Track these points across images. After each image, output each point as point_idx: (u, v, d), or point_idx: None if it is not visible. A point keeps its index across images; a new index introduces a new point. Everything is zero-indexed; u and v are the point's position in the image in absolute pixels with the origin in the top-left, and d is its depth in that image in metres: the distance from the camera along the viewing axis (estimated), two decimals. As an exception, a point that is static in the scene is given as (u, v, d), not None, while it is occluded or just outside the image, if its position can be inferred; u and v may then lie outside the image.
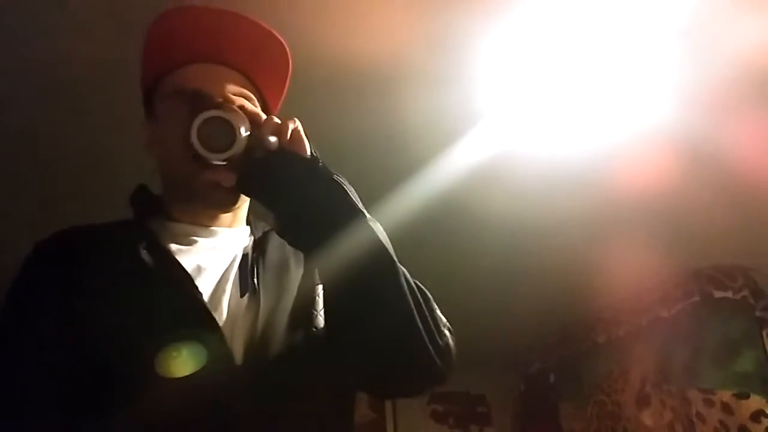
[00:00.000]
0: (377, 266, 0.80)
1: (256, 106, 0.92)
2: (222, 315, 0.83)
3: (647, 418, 3.15)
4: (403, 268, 0.84)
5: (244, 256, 0.91)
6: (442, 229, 2.57)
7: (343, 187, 0.82)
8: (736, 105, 1.93)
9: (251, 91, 0.94)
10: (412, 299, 0.81)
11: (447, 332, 0.89)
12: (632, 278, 3.06)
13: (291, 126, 0.84)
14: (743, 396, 2.73)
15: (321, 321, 0.88)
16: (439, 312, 0.89)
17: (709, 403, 2.81)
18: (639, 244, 2.66)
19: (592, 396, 3.56)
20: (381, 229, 0.83)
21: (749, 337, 2.82)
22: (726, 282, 2.94)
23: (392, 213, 2.31)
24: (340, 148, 2.08)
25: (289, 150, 0.83)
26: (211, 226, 0.93)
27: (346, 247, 0.79)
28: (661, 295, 3.16)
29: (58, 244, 0.87)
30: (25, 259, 0.86)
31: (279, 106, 1.02)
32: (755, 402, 2.70)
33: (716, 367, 2.84)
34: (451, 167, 2.13)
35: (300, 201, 0.80)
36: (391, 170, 2.16)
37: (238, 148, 0.81)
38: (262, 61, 0.95)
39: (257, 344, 0.81)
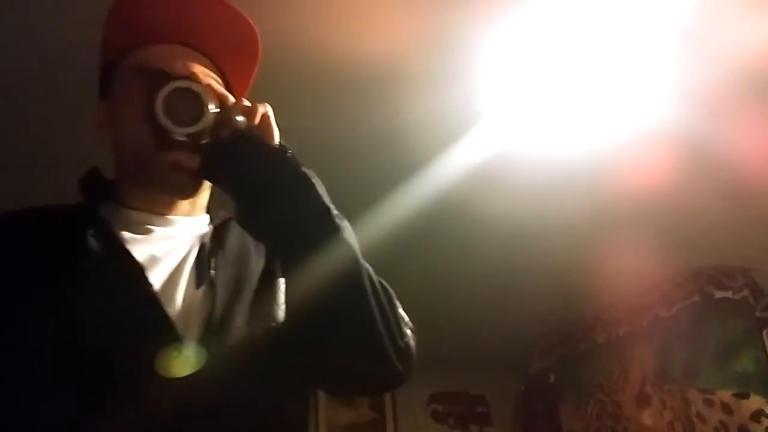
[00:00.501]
0: (341, 270, 0.77)
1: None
2: (175, 308, 0.78)
3: (647, 418, 3.15)
4: (367, 266, 0.81)
5: (202, 246, 0.86)
6: (442, 229, 2.57)
7: (311, 181, 0.78)
8: (736, 105, 1.93)
9: (217, 77, 0.89)
10: (376, 302, 0.79)
11: (408, 332, 0.86)
12: (632, 278, 3.06)
13: (261, 110, 0.79)
14: (743, 396, 2.73)
15: (281, 315, 0.84)
16: (401, 311, 0.86)
17: (709, 403, 2.81)
18: (639, 244, 2.67)
19: (592, 396, 3.56)
20: (348, 227, 0.80)
21: (749, 337, 2.82)
22: (726, 282, 2.94)
23: (392, 213, 2.31)
24: (340, 148, 2.08)
25: (257, 134, 0.78)
26: (167, 215, 0.87)
27: (309, 247, 0.76)
28: (661, 295, 3.16)
29: None
30: None
31: (245, 95, 0.95)
32: (755, 402, 2.70)
33: (716, 367, 2.84)
34: (451, 167, 2.13)
35: (264, 192, 0.77)
36: (392, 170, 2.16)
37: (205, 123, 0.76)
38: (231, 47, 0.90)
39: (212, 338, 0.77)
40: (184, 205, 0.89)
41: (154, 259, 0.82)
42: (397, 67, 1.76)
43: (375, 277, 0.82)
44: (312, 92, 1.82)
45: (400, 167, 2.15)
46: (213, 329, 0.78)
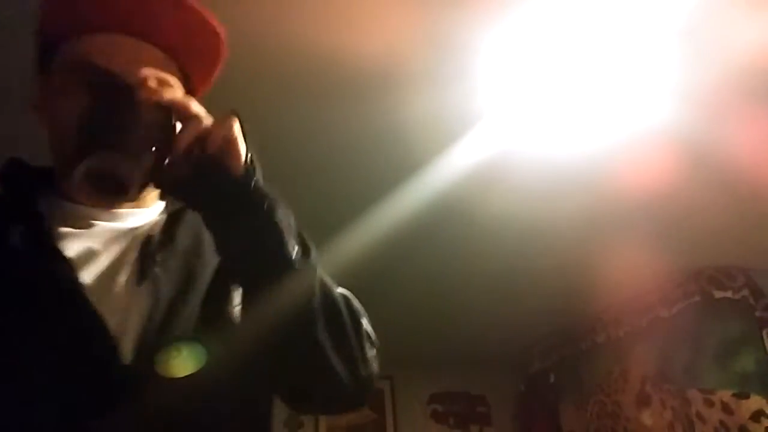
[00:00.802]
0: (293, 307, 0.72)
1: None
2: (111, 306, 0.73)
3: (647, 418, 3.15)
4: (332, 291, 0.77)
5: (149, 238, 0.80)
6: (441, 230, 2.57)
7: (275, 222, 0.71)
8: (737, 105, 1.93)
9: (172, 73, 0.80)
10: (332, 336, 0.74)
11: (370, 356, 0.80)
12: (632, 278, 3.06)
13: (222, 132, 0.69)
14: (743, 396, 2.73)
15: (236, 318, 0.78)
16: (365, 332, 0.80)
17: (709, 403, 2.81)
18: (639, 245, 2.67)
19: (592, 396, 3.56)
20: (311, 257, 0.74)
21: (749, 337, 2.83)
22: (726, 282, 2.94)
23: (391, 213, 2.31)
24: (340, 148, 2.08)
25: (216, 163, 0.69)
26: (112, 208, 0.81)
27: (262, 280, 0.72)
28: (661, 296, 3.16)
29: None
30: None
31: (207, 88, 0.87)
32: (755, 402, 2.70)
33: (716, 367, 2.84)
34: (451, 167, 2.13)
35: (222, 222, 0.72)
36: (391, 170, 2.16)
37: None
38: (186, 40, 0.80)
39: (152, 339, 0.72)
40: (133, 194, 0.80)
41: (91, 255, 0.76)
42: (396, 67, 1.76)
43: (339, 306, 0.77)
44: (311, 92, 1.82)
45: (399, 167, 2.15)
46: (152, 328, 0.72)
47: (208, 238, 0.80)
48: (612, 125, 2.01)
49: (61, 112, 0.76)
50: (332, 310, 0.75)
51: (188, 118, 0.69)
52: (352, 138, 2.03)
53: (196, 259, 0.81)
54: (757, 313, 2.87)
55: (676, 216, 2.50)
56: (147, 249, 0.78)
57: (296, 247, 0.72)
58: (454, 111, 1.92)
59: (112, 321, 0.71)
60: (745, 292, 2.91)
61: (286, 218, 0.72)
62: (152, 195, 0.87)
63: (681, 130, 2.01)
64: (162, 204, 0.88)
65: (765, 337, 2.82)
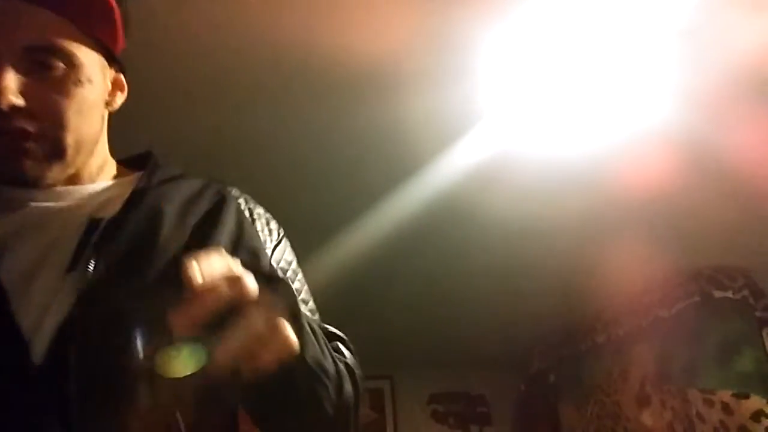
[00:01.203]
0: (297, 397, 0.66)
1: (74, 65, 0.69)
2: (30, 297, 0.64)
3: (647, 418, 3.15)
4: (314, 339, 0.68)
5: (94, 222, 0.70)
6: (442, 230, 2.57)
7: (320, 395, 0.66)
8: (737, 105, 1.93)
9: (60, 30, 0.68)
10: (311, 398, 0.67)
11: (348, 392, 0.71)
12: (632, 278, 3.06)
13: (276, 347, 0.53)
14: (743, 396, 2.73)
15: None
16: (341, 372, 0.71)
17: (709, 403, 2.81)
18: (639, 245, 2.66)
19: (592, 396, 3.56)
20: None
21: (749, 337, 2.83)
22: (726, 282, 2.94)
23: (392, 213, 2.31)
24: (340, 148, 2.08)
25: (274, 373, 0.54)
26: (51, 186, 0.72)
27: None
28: (661, 295, 3.16)
29: None
30: None
31: (121, 40, 0.76)
32: (755, 402, 2.70)
33: (716, 367, 2.84)
34: (451, 167, 2.13)
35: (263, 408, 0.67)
36: (391, 170, 2.16)
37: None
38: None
39: (69, 337, 0.62)
40: (55, 175, 0.71)
41: (17, 238, 0.68)
42: (396, 66, 1.76)
43: (319, 355, 0.68)
44: (311, 92, 1.82)
45: (399, 167, 2.15)
46: (71, 325, 0.63)
47: (168, 224, 0.71)
48: (611, 126, 2.01)
49: None
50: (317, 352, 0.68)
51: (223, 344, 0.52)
52: (352, 137, 2.03)
53: (148, 247, 0.69)
54: (757, 313, 2.87)
55: (676, 216, 2.50)
56: (87, 235, 0.69)
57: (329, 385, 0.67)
58: (454, 111, 1.92)
59: (26, 319, 0.63)
60: (745, 292, 2.91)
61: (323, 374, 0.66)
62: (98, 169, 0.78)
63: (681, 131, 2.01)
64: (127, 178, 0.78)
65: (765, 337, 2.82)
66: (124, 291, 0.65)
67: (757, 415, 2.68)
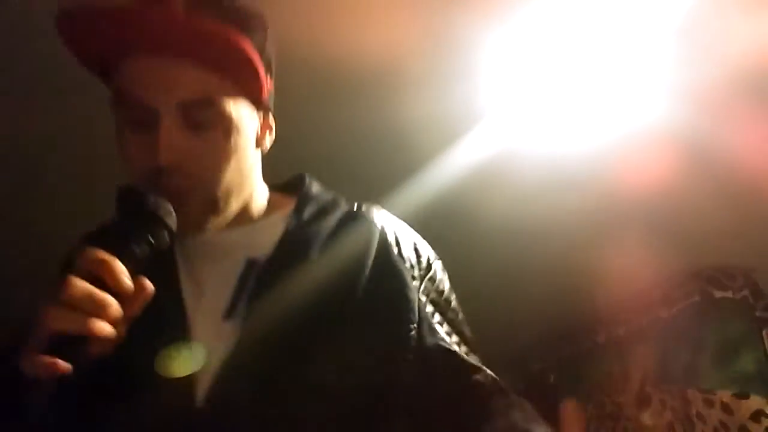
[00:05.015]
0: None
1: (226, 117, 0.71)
2: (201, 340, 0.69)
3: (647, 418, 3.15)
4: None
5: (251, 261, 0.74)
6: (442, 229, 2.55)
7: None
8: (738, 105, 1.93)
9: (212, 84, 0.70)
10: None
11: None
12: (632, 278, 3.06)
13: None
14: (743, 396, 2.73)
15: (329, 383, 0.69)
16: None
17: (709, 403, 2.81)
18: (639, 244, 2.66)
19: (592, 396, 3.55)
20: None
21: (749, 337, 2.82)
22: (726, 282, 2.94)
23: (392, 212, 2.31)
24: (342, 147, 2.07)
25: None
26: (203, 229, 0.75)
27: None
28: (661, 295, 3.16)
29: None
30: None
31: (265, 85, 0.77)
32: (755, 402, 2.70)
33: (716, 367, 2.84)
34: (452, 167, 2.13)
35: None
36: (392, 170, 2.16)
37: None
38: (216, 53, 0.70)
39: (230, 383, 0.66)
40: (213, 224, 0.75)
41: (196, 285, 0.73)
42: (398, 66, 1.76)
43: None
44: (313, 91, 1.82)
45: (400, 167, 2.15)
46: (229, 372, 0.67)
47: (318, 257, 0.74)
48: (612, 126, 2.01)
49: (118, 147, 0.72)
50: None
51: None
52: (353, 137, 2.03)
53: (299, 287, 0.72)
54: (757, 313, 2.87)
55: (676, 216, 2.50)
56: (243, 279, 0.72)
57: None
58: (454, 111, 1.92)
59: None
60: (745, 292, 2.91)
61: None
62: (254, 205, 0.80)
63: (682, 131, 2.01)
64: (280, 212, 0.80)
65: (765, 337, 2.82)
66: (277, 338, 0.68)
67: (757, 415, 2.68)
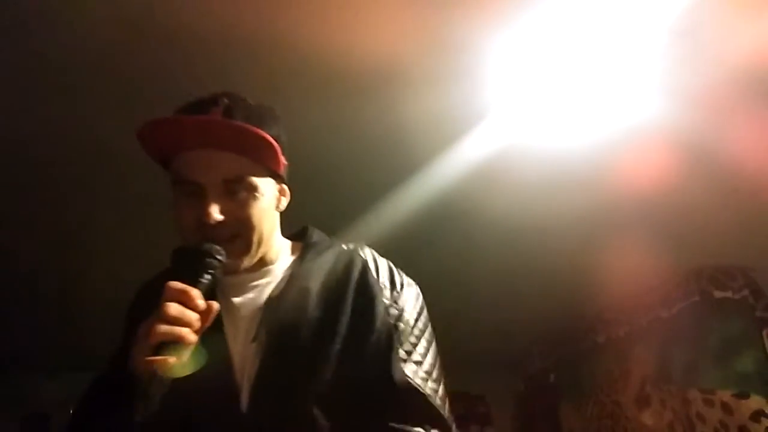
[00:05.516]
0: None
1: (254, 188, 0.99)
2: (239, 364, 0.95)
3: (647, 418, 3.15)
4: None
5: (269, 299, 1.00)
6: (443, 228, 2.57)
7: None
8: (737, 105, 1.93)
9: (244, 166, 0.99)
10: None
11: None
12: (632, 278, 3.06)
13: None
14: (743, 396, 2.73)
15: (326, 380, 0.94)
16: None
17: (709, 403, 2.81)
18: (639, 245, 2.67)
19: (592, 396, 3.56)
20: None
21: (749, 337, 2.83)
22: (726, 282, 2.94)
23: (394, 212, 2.31)
24: (344, 147, 2.08)
25: None
26: (243, 272, 1.01)
27: None
28: (661, 295, 3.17)
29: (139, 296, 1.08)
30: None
31: (282, 163, 1.05)
32: (755, 402, 2.70)
33: (716, 367, 2.84)
34: (452, 167, 2.13)
35: None
36: (393, 169, 2.16)
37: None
38: (244, 144, 0.99)
39: (261, 393, 0.92)
40: (246, 263, 1.00)
41: (231, 315, 0.99)
42: (400, 66, 1.76)
43: None
44: (316, 92, 1.82)
45: (401, 167, 2.15)
46: (261, 383, 0.93)
47: (316, 291, 1.01)
48: (612, 127, 2.01)
49: (175, 213, 0.99)
50: None
51: None
52: (354, 137, 2.03)
53: (301, 315, 0.98)
54: (757, 313, 2.88)
55: (676, 216, 2.50)
56: (266, 310, 0.98)
57: None
58: (456, 110, 1.92)
59: (237, 377, 0.94)
60: (745, 292, 2.91)
61: None
62: (275, 251, 1.06)
63: (683, 131, 2.01)
64: (286, 260, 1.07)
65: (765, 337, 2.82)
66: (290, 357, 0.95)
67: (757, 415, 2.68)
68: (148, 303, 0.86)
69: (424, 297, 1.10)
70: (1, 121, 1.87)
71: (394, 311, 1.02)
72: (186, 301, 0.83)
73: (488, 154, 2.09)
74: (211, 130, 0.97)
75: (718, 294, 2.93)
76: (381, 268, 1.08)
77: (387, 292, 1.04)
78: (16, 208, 2.31)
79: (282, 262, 1.06)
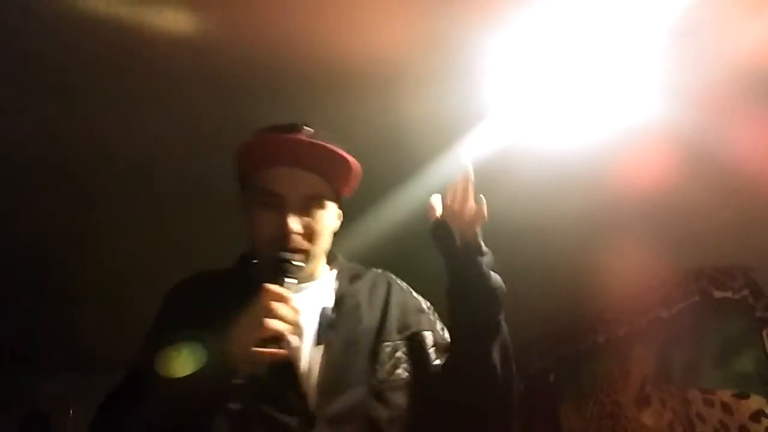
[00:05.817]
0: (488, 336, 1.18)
1: (325, 207, 1.15)
2: (305, 363, 1.05)
3: (647, 418, 3.15)
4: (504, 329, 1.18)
5: (323, 309, 1.11)
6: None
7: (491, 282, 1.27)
8: (738, 105, 1.93)
9: (321, 186, 1.15)
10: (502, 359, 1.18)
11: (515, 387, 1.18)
12: (632, 278, 3.06)
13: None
14: (743, 396, 2.73)
15: (385, 375, 1.08)
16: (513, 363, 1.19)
17: (709, 403, 2.81)
18: (639, 245, 2.67)
19: (592, 396, 3.56)
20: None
21: (749, 337, 2.83)
22: (726, 282, 2.94)
23: (394, 212, 2.31)
24: (343, 147, 2.07)
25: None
26: (302, 280, 1.11)
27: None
28: (661, 295, 3.17)
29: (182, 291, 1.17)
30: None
31: (351, 188, 1.24)
32: (755, 402, 2.70)
33: (716, 367, 2.84)
34: (452, 167, 2.13)
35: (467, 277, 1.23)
36: (394, 169, 2.16)
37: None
38: (327, 166, 1.15)
39: (328, 392, 1.02)
40: (304, 275, 1.12)
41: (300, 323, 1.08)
42: (399, 66, 1.76)
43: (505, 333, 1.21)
44: (315, 91, 1.82)
45: (402, 166, 2.15)
46: (327, 382, 1.03)
47: (365, 302, 1.16)
48: (612, 127, 2.01)
49: (254, 224, 1.12)
50: (504, 336, 1.17)
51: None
52: (354, 137, 2.02)
53: (357, 325, 1.12)
54: (757, 313, 2.88)
55: (676, 216, 2.50)
56: (322, 318, 1.10)
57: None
58: (455, 111, 1.92)
59: (303, 379, 1.03)
60: (745, 292, 2.91)
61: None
62: (319, 271, 1.19)
63: (682, 131, 2.01)
64: (331, 273, 1.21)
65: (765, 337, 2.82)
66: (350, 360, 1.07)
67: (757, 415, 2.68)
68: (202, 299, 1.04)
69: (424, 297, 1.27)
70: (1, 121, 1.87)
71: (429, 317, 1.21)
72: (284, 302, 0.95)
73: (488, 154, 2.09)
74: (305, 150, 1.11)
75: (718, 294, 2.93)
76: (408, 287, 1.28)
77: (423, 305, 1.24)
78: (16, 208, 2.31)
79: (324, 278, 1.20)
